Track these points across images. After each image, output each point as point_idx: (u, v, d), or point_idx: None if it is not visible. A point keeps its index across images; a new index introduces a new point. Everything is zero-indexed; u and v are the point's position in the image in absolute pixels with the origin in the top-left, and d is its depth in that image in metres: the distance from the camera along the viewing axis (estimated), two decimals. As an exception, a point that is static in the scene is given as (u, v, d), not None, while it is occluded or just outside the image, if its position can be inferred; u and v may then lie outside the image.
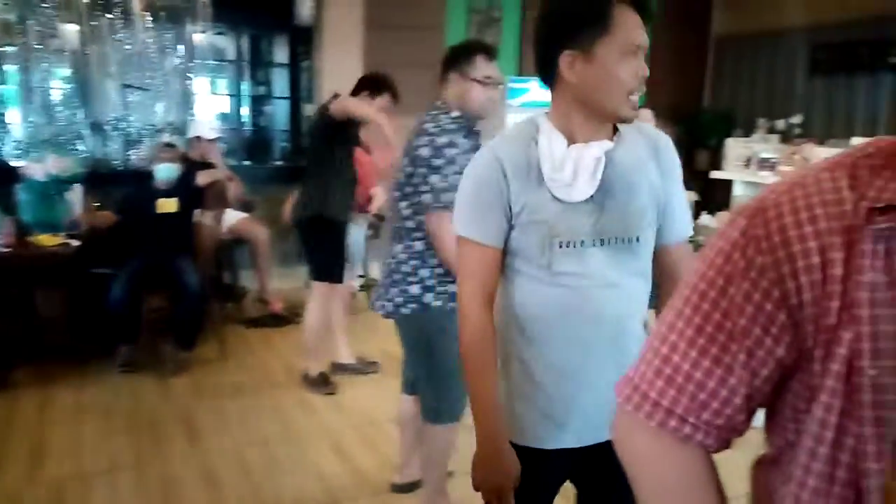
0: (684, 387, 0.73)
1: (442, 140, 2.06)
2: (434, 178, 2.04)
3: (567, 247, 1.34)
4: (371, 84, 3.51)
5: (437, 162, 2.05)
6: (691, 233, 1.50)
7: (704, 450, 0.76)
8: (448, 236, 1.93)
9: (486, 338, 1.39)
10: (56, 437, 3.18)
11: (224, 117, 5.87)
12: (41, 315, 4.27)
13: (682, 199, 1.47)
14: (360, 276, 5.10)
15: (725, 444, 0.76)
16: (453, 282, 2.07)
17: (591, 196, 1.33)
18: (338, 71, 5.94)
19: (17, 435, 3.17)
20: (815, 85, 6.94)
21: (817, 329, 0.66)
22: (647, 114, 3.63)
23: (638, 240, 1.38)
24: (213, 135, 4.90)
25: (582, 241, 1.34)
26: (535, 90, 6.39)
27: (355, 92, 3.51)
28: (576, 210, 1.33)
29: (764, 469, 0.80)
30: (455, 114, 2.14)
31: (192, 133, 4.97)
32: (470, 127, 2.16)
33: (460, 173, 1.48)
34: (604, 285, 1.36)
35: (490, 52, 2.19)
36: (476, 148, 2.02)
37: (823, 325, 0.66)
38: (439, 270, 2.15)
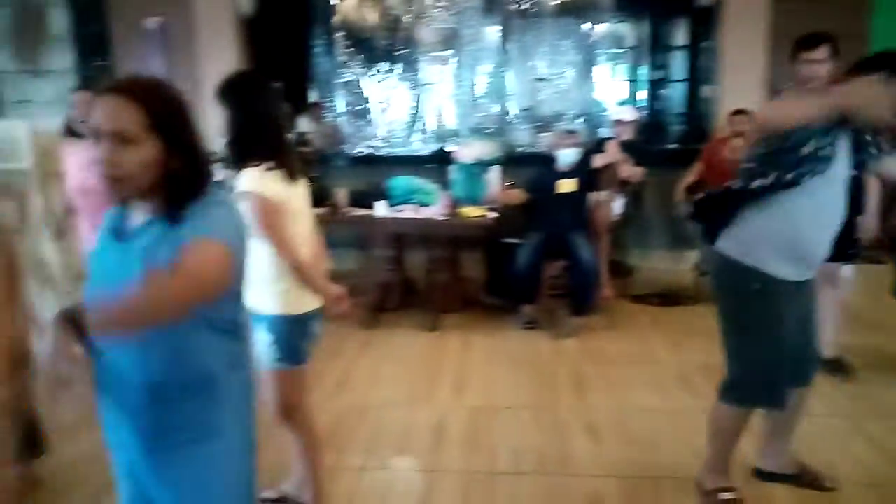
0: None
1: None
2: None
3: None
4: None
5: None
6: None
7: None
8: None
9: None
10: (474, 373, 3.86)
11: (622, 103, 6.17)
12: (464, 274, 5.15)
13: None
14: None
15: None
16: None
17: None
18: (738, 50, 5.77)
19: (445, 368, 3.93)
20: None
21: None
22: None
23: None
24: (631, 117, 5.16)
25: None
26: None
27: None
28: None
29: None
30: None
31: (614, 116, 5.30)
32: None
33: None
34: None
35: None
36: None
37: None
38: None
